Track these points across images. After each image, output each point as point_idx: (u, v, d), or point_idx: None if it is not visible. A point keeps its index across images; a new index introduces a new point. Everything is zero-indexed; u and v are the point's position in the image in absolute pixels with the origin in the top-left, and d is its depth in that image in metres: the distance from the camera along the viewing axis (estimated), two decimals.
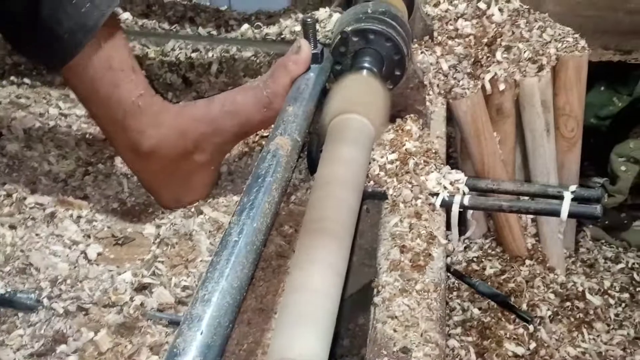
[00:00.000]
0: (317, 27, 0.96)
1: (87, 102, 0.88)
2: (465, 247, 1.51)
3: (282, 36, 1.30)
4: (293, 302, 0.52)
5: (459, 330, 1.35)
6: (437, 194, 0.89)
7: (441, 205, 0.88)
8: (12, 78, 1.21)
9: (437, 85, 1.20)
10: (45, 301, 0.78)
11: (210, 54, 1.27)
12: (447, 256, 1.29)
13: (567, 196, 0.88)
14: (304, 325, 0.50)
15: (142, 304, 0.78)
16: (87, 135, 1.07)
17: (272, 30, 1.32)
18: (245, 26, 1.34)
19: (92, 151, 1.04)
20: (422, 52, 1.19)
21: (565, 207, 0.86)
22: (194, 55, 1.27)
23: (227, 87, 1.24)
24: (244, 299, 0.56)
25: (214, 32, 1.33)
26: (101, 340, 0.73)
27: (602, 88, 1.79)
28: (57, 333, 0.74)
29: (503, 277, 1.44)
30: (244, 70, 1.24)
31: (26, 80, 1.21)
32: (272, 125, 0.79)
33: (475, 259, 1.48)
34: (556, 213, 0.87)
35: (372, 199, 0.87)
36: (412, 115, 1.01)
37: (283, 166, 0.68)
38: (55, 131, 1.07)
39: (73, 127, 1.08)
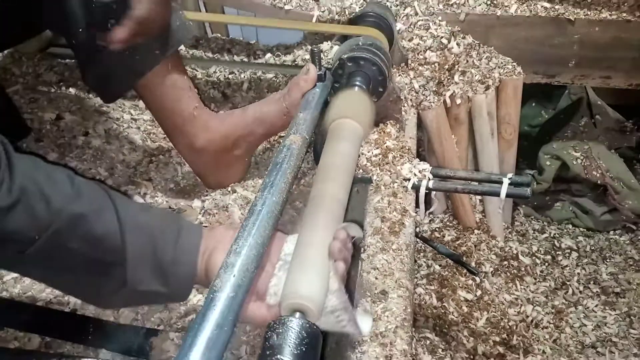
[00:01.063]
0: (322, 55, 0.96)
1: (155, 112, 0.88)
2: (430, 221, 1.49)
3: (296, 62, 1.29)
4: (300, 255, 0.52)
5: (424, 281, 1.34)
6: (409, 179, 0.89)
7: (412, 188, 0.88)
8: None
9: (410, 100, 1.19)
10: None
11: (242, 75, 1.26)
12: (416, 226, 1.29)
13: (505, 181, 0.87)
14: (307, 272, 0.50)
15: None
16: (151, 135, 1.07)
17: (288, 57, 1.31)
18: (269, 55, 1.33)
19: (154, 146, 1.04)
20: (399, 75, 1.19)
21: (504, 189, 0.86)
22: (230, 76, 1.26)
23: (255, 100, 1.24)
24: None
25: (245, 59, 1.33)
26: None
27: (534, 104, 1.78)
28: None
29: (458, 242, 1.43)
30: (267, 88, 1.24)
31: None
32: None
33: (437, 229, 1.46)
34: (497, 194, 0.86)
35: (361, 183, 0.87)
36: (391, 121, 1.00)
37: (295, 156, 0.68)
38: (128, 131, 1.06)
39: (141, 128, 1.08)
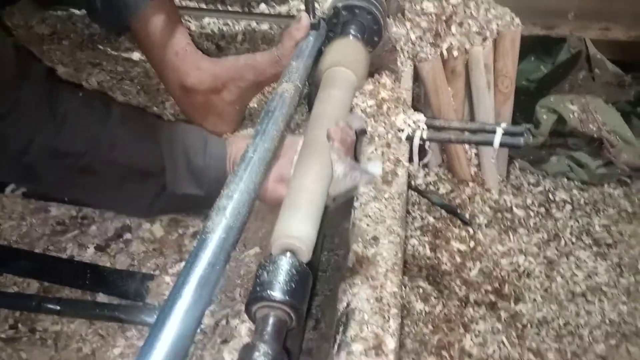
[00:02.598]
0: (316, 4, 0.94)
1: (148, 48, 0.88)
2: (425, 174, 1.50)
3: (290, 13, 1.27)
4: (291, 199, 0.53)
5: (418, 232, 1.36)
6: (403, 130, 0.88)
7: (406, 138, 0.88)
8: (89, 45, 1.18)
9: (407, 51, 1.17)
10: None
11: (236, 27, 1.24)
12: (410, 178, 1.29)
13: (499, 131, 0.87)
14: (299, 214, 0.51)
15: None
16: (144, 87, 1.06)
17: (283, 8, 1.28)
18: (263, 5, 1.30)
19: (148, 98, 1.03)
20: (396, 26, 1.16)
21: (497, 138, 0.86)
22: (224, 28, 1.24)
23: (249, 51, 1.23)
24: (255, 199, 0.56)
25: (239, 10, 1.30)
26: (156, 230, 0.74)
27: (533, 58, 1.74)
28: (124, 225, 0.75)
29: (452, 194, 1.44)
30: (262, 39, 1.22)
31: (99, 46, 1.19)
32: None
33: (432, 182, 1.47)
34: (490, 143, 0.87)
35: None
36: (386, 71, 0.99)
37: (287, 104, 0.68)
38: (121, 83, 1.05)
39: (134, 81, 1.07)
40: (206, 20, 1.25)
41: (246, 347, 0.41)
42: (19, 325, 0.61)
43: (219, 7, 1.31)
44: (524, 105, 1.60)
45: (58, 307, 0.60)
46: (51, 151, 0.55)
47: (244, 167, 0.56)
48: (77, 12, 1.23)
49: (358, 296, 0.63)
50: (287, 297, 0.43)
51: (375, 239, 0.70)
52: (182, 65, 0.86)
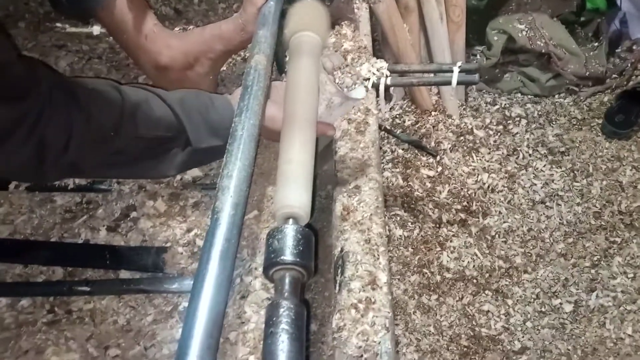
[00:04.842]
0: None
1: (118, 34, 0.89)
2: (390, 109, 1.57)
3: None
4: (284, 172, 0.59)
5: (390, 165, 1.45)
6: (368, 79, 0.93)
7: (372, 87, 0.93)
8: (47, 24, 1.17)
9: None
10: (115, 185, 0.83)
11: None
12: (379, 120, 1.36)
13: (456, 70, 0.92)
14: (294, 185, 0.57)
15: (181, 178, 0.84)
16: (114, 63, 1.07)
17: None
18: None
19: (120, 74, 1.05)
20: None
21: (454, 78, 0.91)
22: None
23: (209, 12, 1.23)
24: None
25: None
26: (159, 205, 0.80)
27: None
28: (129, 205, 0.80)
29: (417, 125, 1.52)
30: None
31: (58, 25, 1.17)
32: (249, 45, 0.82)
33: (397, 116, 1.54)
34: (448, 83, 0.93)
35: None
36: (345, 22, 1.02)
37: (263, 76, 0.71)
38: (90, 63, 1.06)
39: (102, 58, 1.08)
40: None
41: (271, 305, 0.49)
42: (56, 309, 0.68)
43: None
44: (476, 24, 1.64)
45: (88, 288, 0.67)
46: (88, 142, 0.57)
47: (237, 146, 0.61)
48: None
49: (349, 241, 0.71)
50: (297, 259, 0.51)
51: (357, 187, 0.78)
52: (152, 47, 0.88)
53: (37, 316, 0.67)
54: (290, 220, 0.55)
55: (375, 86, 0.96)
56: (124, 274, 0.71)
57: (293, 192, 0.56)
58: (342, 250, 0.70)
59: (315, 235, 0.57)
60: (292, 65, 0.74)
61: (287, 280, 0.51)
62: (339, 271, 0.69)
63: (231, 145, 0.62)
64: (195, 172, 0.83)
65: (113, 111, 0.59)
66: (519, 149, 1.54)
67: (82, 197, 0.80)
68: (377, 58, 0.99)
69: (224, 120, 0.69)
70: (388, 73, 0.96)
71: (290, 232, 0.53)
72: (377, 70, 0.96)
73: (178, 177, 0.82)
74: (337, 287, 0.67)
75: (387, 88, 0.96)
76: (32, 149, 0.53)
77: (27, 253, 0.72)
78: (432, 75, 1.02)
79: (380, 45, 1.45)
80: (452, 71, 0.95)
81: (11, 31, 1.12)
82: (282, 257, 0.51)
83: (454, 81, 0.94)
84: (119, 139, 0.60)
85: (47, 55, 1.06)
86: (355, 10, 1.15)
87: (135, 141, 0.62)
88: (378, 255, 0.70)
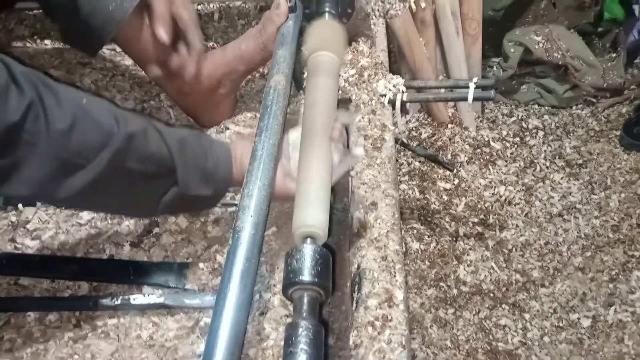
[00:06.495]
0: None
1: (139, 62, 0.90)
2: (407, 121, 1.58)
3: None
4: (303, 191, 0.60)
5: (406, 177, 1.46)
6: (385, 95, 0.95)
7: (388, 103, 0.94)
8: None
9: (377, 10, 1.21)
10: None
11: (211, 5, 1.26)
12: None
13: (472, 86, 0.94)
14: (312, 205, 0.58)
15: None
16: (137, 80, 1.10)
17: None
18: None
19: (143, 91, 1.06)
20: None
21: (470, 94, 0.93)
22: (199, 7, 1.25)
23: (228, 29, 1.25)
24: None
25: None
26: (180, 221, 0.82)
27: None
28: (151, 221, 0.82)
29: (433, 138, 1.53)
30: (237, 15, 1.24)
31: None
32: (269, 63, 0.83)
33: (414, 128, 1.55)
34: (464, 99, 0.94)
35: (342, 103, 0.91)
36: (362, 38, 1.04)
37: (282, 96, 0.73)
38: (114, 80, 1.08)
39: (125, 75, 1.10)
40: None
41: (290, 325, 0.50)
42: (81, 323, 0.70)
43: None
44: (493, 36, 1.65)
45: (113, 303, 0.69)
46: (52, 159, 0.52)
47: (257, 166, 0.63)
48: None
49: (366, 258, 0.72)
50: (315, 279, 0.52)
51: (374, 204, 0.79)
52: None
53: (64, 330, 0.69)
54: (309, 240, 0.56)
55: (392, 102, 0.97)
56: (147, 290, 0.73)
57: (310, 211, 0.58)
58: (359, 267, 0.71)
59: (332, 252, 0.58)
60: (310, 85, 0.75)
61: (305, 300, 0.52)
62: (356, 288, 0.70)
63: (251, 165, 0.64)
64: None
65: (99, 132, 0.55)
66: (536, 161, 1.54)
67: (107, 214, 0.82)
68: (394, 72, 1.01)
69: (218, 171, 0.66)
70: (404, 89, 0.98)
71: (308, 252, 0.54)
72: (394, 86, 0.98)
73: None
74: (354, 304, 0.68)
75: (403, 104, 0.98)
76: None
77: (54, 268, 0.74)
78: (448, 91, 1.04)
79: (397, 59, 1.46)
80: (468, 87, 0.96)
81: (36, 47, 1.16)
82: (300, 277, 0.52)
83: (470, 97, 0.95)
84: (101, 166, 0.55)
85: (72, 72, 1.09)
86: (372, 26, 1.16)
87: (117, 171, 0.57)
88: (395, 272, 0.71)
